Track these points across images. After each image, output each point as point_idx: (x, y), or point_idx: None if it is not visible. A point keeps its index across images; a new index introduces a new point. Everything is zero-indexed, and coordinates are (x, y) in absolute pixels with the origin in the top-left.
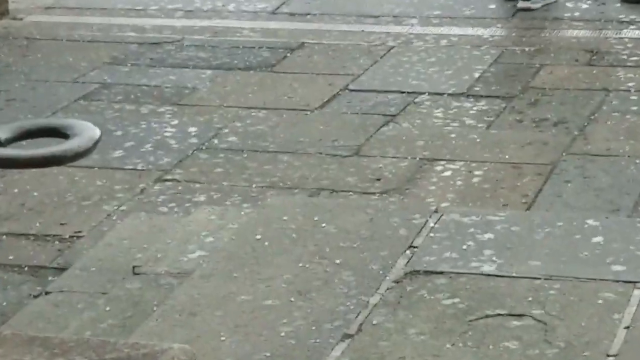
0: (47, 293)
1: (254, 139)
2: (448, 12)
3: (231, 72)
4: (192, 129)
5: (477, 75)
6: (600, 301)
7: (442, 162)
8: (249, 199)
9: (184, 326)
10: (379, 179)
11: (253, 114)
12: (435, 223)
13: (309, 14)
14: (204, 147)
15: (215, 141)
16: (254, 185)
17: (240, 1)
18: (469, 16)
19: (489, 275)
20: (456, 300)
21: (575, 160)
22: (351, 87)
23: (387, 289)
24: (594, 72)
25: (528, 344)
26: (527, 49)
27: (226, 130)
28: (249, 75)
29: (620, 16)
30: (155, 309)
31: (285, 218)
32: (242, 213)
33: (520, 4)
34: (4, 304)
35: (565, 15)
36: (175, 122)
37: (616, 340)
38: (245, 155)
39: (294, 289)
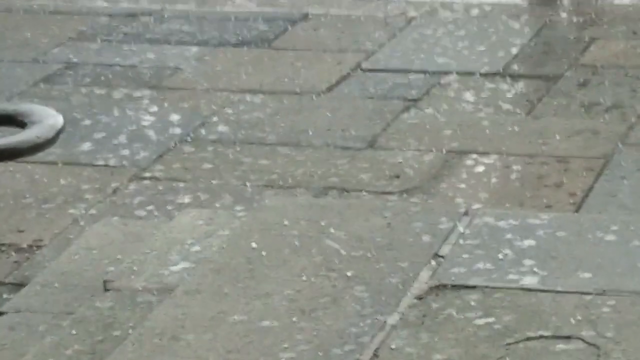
0: (1, 314)
1: (248, 128)
2: None
3: (221, 48)
4: (175, 117)
5: (515, 51)
6: None
7: (474, 156)
8: (243, 200)
9: (165, 352)
10: (397, 176)
11: (247, 99)
12: (465, 228)
13: None
14: (188, 139)
15: (203, 132)
16: (248, 184)
17: None
18: None
19: (529, 290)
20: (491, 319)
21: (632, 152)
22: (364, 66)
23: (408, 306)
24: None
25: None
26: (574, 19)
27: (215, 119)
28: (243, 53)
29: None
30: (130, 332)
31: (285, 223)
32: (235, 217)
33: None
34: None
35: None
36: (155, 109)
37: None
38: (238, 149)
39: (297, 308)
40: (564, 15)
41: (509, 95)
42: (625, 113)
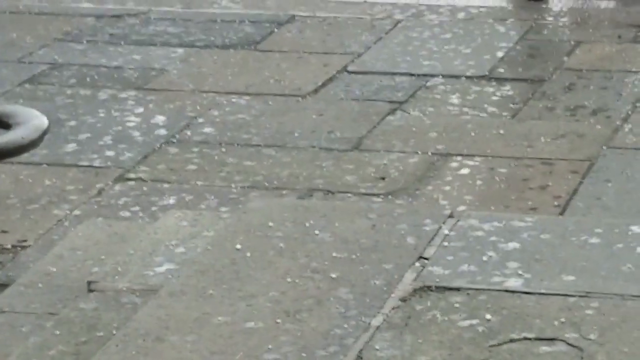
0: None
1: (233, 130)
2: None
3: (207, 50)
4: (160, 119)
5: (500, 54)
6: None
7: (459, 158)
8: (228, 201)
9: (149, 354)
10: (383, 178)
11: (233, 100)
12: (449, 230)
13: None
14: (174, 140)
15: (188, 133)
16: (233, 185)
17: None
18: None
19: (513, 292)
20: (475, 321)
21: (617, 155)
22: (350, 68)
23: (392, 308)
24: None
25: None
26: (560, 22)
27: (201, 120)
28: (229, 55)
29: None
30: (114, 333)
31: (270, 224)
32: (220, 218)
33: None
34: None
35: None
36: (140, 110)
37: None
38: (224, 150)
39: (281, 309)
40: (549, 18)
41: (495, 98)
42: (610, 116)
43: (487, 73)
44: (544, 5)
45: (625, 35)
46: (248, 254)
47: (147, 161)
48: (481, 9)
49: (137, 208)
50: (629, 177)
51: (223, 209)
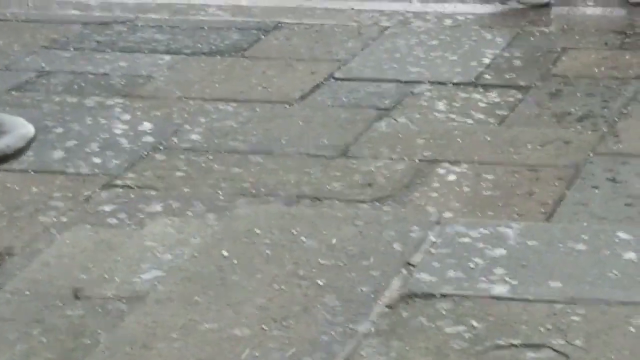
0: None
1: (221, 137)
2: None
3: (194, 57)
4: (147, 126)
5: (487, 61)
6: (632, 329)
7: (446, 165)
8: (215, 208)
9: None
10: (370, 185)
11: (220, 107)
12: (436, 237)
13: None
14: (161, 147)
15: (175, 140)
16: (220, 192)
17: None
18: None
19: (500, 298)
20: (461, 328)
21: (603, 162)
22: (337, 75)
23: (379, 315)
24: (627, 57)
25: None
26: (547, 29)
27: (188, 127)
28: (215, 62)
29: None
30: (101, 340)
31: (257, 231)
32: (207, 225)
33: None
34: None
35: None
36: (127, 117)
37: None
38: (211, 157)
39: (268, 316)
40: (536, 25)
41: (481, 104)
42: (596, 123)
43: (473, 80)
44: (530, 13)
45: (612, 42)
46: (235, 261)
47: (134, 168)
48: (468, 17)
49: (124, 215)
50: (616, 184)
51: (210, 216)
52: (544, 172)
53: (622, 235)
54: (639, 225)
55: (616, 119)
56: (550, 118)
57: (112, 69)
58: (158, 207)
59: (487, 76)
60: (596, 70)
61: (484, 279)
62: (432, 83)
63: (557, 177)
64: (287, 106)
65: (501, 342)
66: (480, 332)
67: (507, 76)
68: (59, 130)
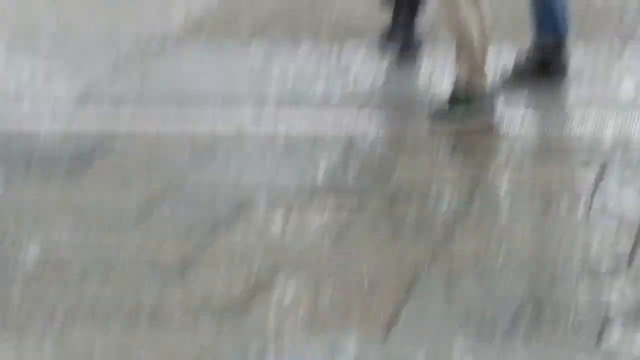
0: None
1: (56, 261)
2: (288, 94)
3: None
4: None
5: (323, 169)
6: None
7: (282, 280)
8: (50, 333)
9: None
10: (209, 302)
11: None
12: (275, 355)
13: (114, 102)
14: None
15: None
16: (56, 316)
17: None
18: (314, 97)
19: None
20: None
21: (439, 273)
22: (173, 190)
23: None
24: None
25: None
26: (382, 137)
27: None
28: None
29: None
30: None
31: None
32: (43, 352)
33: None
34: None
35: None
36: None
37: None
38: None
39: None
40: (372, 133)
41: (318, 215)
42: (430, 233)
43: (309, 189)
44: (365, 121)
45: (442, 150)
46: None
47: None
48: (306, 122)
49: None
50: (451, 296)
51: (46, 341)
52: (379, 286)
53: (458, 346)
54: (473, 337)
55: (452, 229)
56: (386, 229)
57: None
58: None
59: (323, 185)
60: (430, 178)
61: None
62: (268, 194)
63: (394, 291)
64: (125, 224)
65: None
66: None
67: (344, 185)
68: None
